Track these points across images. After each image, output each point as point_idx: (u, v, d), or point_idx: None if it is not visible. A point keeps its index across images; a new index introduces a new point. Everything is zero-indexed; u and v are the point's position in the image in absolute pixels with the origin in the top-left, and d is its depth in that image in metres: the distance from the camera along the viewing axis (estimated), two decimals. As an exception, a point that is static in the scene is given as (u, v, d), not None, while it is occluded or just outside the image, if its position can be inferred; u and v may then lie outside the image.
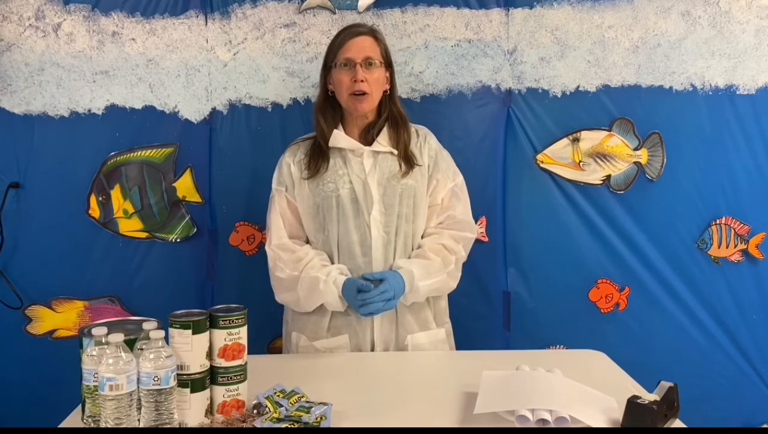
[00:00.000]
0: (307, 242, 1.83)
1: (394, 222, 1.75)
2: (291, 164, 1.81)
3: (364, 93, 1.72)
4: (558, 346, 2.23)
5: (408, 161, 1.77)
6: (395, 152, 1.77)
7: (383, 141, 1.78)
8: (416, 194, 1.78)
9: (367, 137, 1.79)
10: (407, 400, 1.40)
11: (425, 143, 1.83)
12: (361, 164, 1.77)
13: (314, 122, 1.82)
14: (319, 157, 1.77)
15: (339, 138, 1.77)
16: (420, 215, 1.80)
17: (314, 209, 1.77)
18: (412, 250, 1.79)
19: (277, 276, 1.78)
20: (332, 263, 1.76)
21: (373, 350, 1.76)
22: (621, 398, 1.25)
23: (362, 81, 1.71)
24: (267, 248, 1.81)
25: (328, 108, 1.80)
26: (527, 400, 1.28)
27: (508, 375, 1.41)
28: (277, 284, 1.80)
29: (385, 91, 1.79)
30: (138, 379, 1.17)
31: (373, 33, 1.79)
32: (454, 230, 1.82)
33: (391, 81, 1.81)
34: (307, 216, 1.79)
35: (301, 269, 1.73)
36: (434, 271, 1.75)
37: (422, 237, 1.83)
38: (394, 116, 1.80)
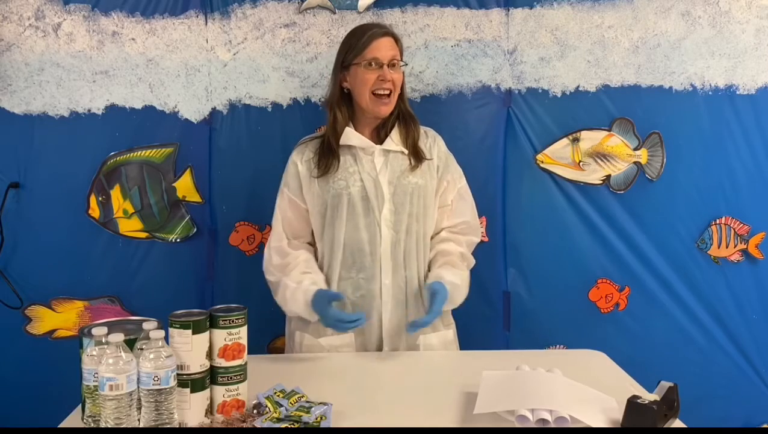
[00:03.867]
0: (311, 240, 1.84)
1: (403, 221, 1.76)
2: (298, 163, 1.81)
3: (388, 94, 1.73)
4: (558, 346, 2.23)
5: (417, 155, 1.78)
6: (406, 151, 1.78)
7: (395, 139, 1.78)
8: (426, 194, 1.78)
9: (379, 135, 1.80)
10: (407, 400, 1.40)
11: (435, 144, 1.84)
12: (372, 162, 1.77)
13: (329, 117, 1.80)
14: (329, 155, 1.77)
15: (350, 136, 1.77)
16: (429, 215, 1.81)
17: (323, 206, 1.77)
18: (424, 249, 1.80)
19: (267, 279, 1.81)
20: (337, 261, 1.76)
21: (380, 350, 1.76)
22: (621, 398, 1.25)
23: (389, 81, 1.72)
24: (266, 248, 1.83)
25: (341, 106, 1.80)
26: (527, 400, 1.28)
27: (508, 375, 1.41)
28: (270, 286, 1.82)
29: None
30: (138, 379, 1.17)
31: (393, 34, 1.80)
32: (467, 235, 1.85)
33: (402, 80, 1.82)
34: (315, 214, 1.79)
35: (282, 275, 1.75)
36: (465, 283, 1.80)
37: (438, 238, 1.84)
38: (404, 115, 1.81)
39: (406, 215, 1.76)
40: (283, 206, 1.82)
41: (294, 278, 1.72)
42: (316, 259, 1.82)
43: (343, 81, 1.78)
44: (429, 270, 1.81)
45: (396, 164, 1.77)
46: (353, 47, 1.77)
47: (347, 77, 1.77)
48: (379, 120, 1.79)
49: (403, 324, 1.76)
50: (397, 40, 1.79)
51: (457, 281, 1.75)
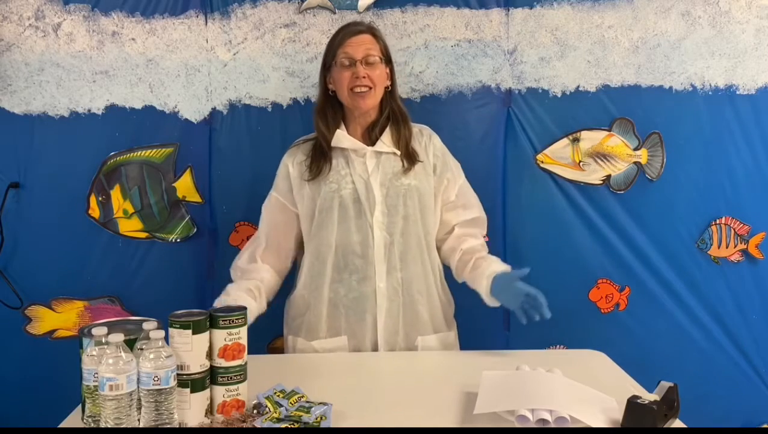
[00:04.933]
0: (293, 246, 1.84)
1: (397, 223, 1.75)
2: (289, 165, 1.81)
3: (366, 89, 1.72)
4: (558, 346, 2.23)
5: (410, 157, 1.77)
6: (398, 152, 1.77)
7: (386, 141, 1.77)
8: (421, 195, 1.77)
9: (371, 136, 1.79)
10: (407, 400, 1.40)
11: (430, 142, 1.83)
12: (364, 164, 1.77)
13: (314, 124, 1.81)
14: (320, 158, 1.77)
15: (342, 138, 1.77)
16: (428, 216, 1.80)
17: (312, 209, 1.77)
18: (427, 250, 1.79)
19: (230, 272, 1.85)
20: (328, 263, 1.75)
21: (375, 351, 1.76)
22: (621, 398, 1.25)
23: (364, 77, 1.71)
24: (246, 244, 1.87)
25: (329, 109, 1.80)
26: (527, 400, 1.28)
27: (508, 375, 1.41)
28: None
29: (386, 88, 1.79)
30: (138, 379, 1.17)
31: (372, 30, 1.79)
32: (477, 228, 1.87)
33: (392, 77, 1.81)
34: (306, 217, 1.79)
35: (235, 280, 1.80)
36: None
37: (454, 235, 1.84)
38: (395, 113, 1.80)
39: (400, 217, 1.75)
40: (270, 208, 1.83)
41: (234, 292, 1.72)
42: (299, 264, 1.83)
43: (328, 83, 1.79)
44: (460, 269, 1.82)
45: (388, 165, 1.77)
46: (330, 48, 1.79)
47: (331, 79, 1.78)
48: (370, 120, 1.79)
49: (399, 326, 1.76)
50: (377, 37, 1.78)
51: (499, 268, 1.76)
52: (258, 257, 1.82)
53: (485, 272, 1.74)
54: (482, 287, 1.74)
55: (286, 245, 1.84)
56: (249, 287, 1.75)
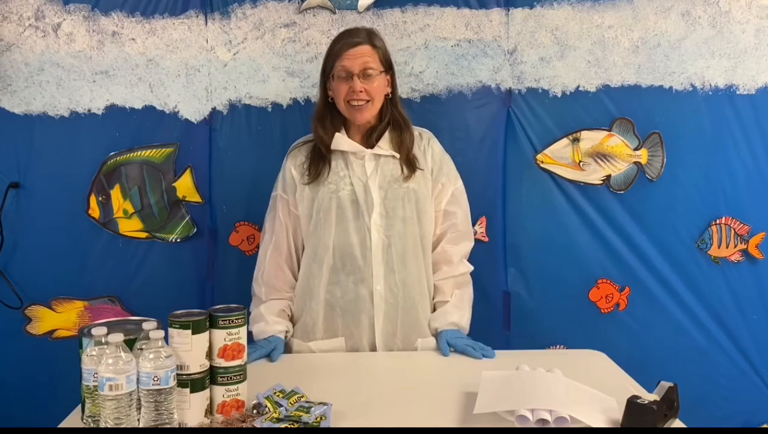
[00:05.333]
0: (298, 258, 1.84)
1: (395, 226, 1.74)
2: (292, 168, 1.81)
3: (362, 102, 1.71)
4: (558, 346, 2.23)
5: (410, 164, 1.77)
6: (397, 155, 1.77)
7: (384, 145, 1.77)
8: (419, 198, 1.77)
9: (369, 141, 1.79)
10: (407, 400, 1.40)
11: (429, 146, 1.82)
12: (363, 166, 1.76)
13: (312, 130, 1.81)
14: (319, 161, 1.77)
15: (341, 141, 1.77)
16: (426, 219, 1.79)
17: (310, 209, 1.77)
18: (423, 252, 1.79)
19: (253, 287, 1.85)
20: (324, 265, 1.75)
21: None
22: (621, 398, 1.25)
23: (360, 91, 1.70)
24: (261, 253, 1.84)
25: (328, 115, 1.79)
26: (527, 400, 1.28)
27: (508, 375, 1.41)
28: (252, 292, 1.86)
29: (386, 95, 1.78)
30: (138, 379, 1.17)
31: (371, 40, 1.75)
32: (459, 244, 1.84)
33: (392, 84, 1.79)
34: (305, 218, 1.79)
35: (266, 298, 1.81)
36: (464, 306, 1.84)
37: (432, 261, 1.83)
38: (396, 120, 1.79)
39: (398, 219, 1.74)
40: (281, 212, 1.82)
41: (270, 317, 1.76)
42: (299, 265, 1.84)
43: (328, 90, 1.78)
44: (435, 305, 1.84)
45: (387, 168, 1.76)
46: (329, 57, 1.77)
47: (330, 86, 1.77)
48: (370, 126, 1.79)
49: (398, 329, 1.76)
50: (376, 46, 1.75)
51: (455, 320, 1.80)
52: (283, 266, 1.82)
53: (432, 324, 1.80)
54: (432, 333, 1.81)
55: (300, 248, 1.84)
56: (282, 308, 1.80)
